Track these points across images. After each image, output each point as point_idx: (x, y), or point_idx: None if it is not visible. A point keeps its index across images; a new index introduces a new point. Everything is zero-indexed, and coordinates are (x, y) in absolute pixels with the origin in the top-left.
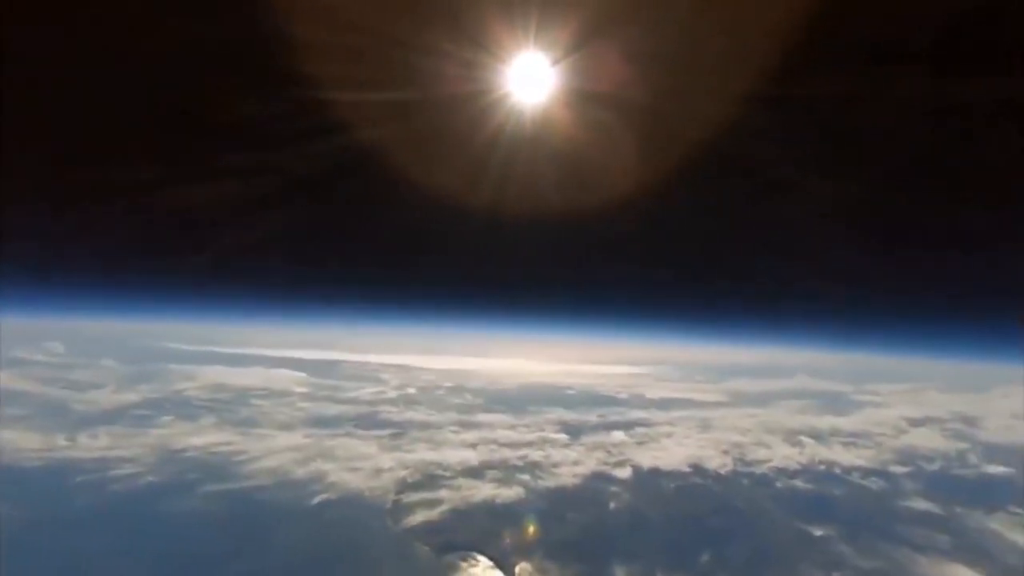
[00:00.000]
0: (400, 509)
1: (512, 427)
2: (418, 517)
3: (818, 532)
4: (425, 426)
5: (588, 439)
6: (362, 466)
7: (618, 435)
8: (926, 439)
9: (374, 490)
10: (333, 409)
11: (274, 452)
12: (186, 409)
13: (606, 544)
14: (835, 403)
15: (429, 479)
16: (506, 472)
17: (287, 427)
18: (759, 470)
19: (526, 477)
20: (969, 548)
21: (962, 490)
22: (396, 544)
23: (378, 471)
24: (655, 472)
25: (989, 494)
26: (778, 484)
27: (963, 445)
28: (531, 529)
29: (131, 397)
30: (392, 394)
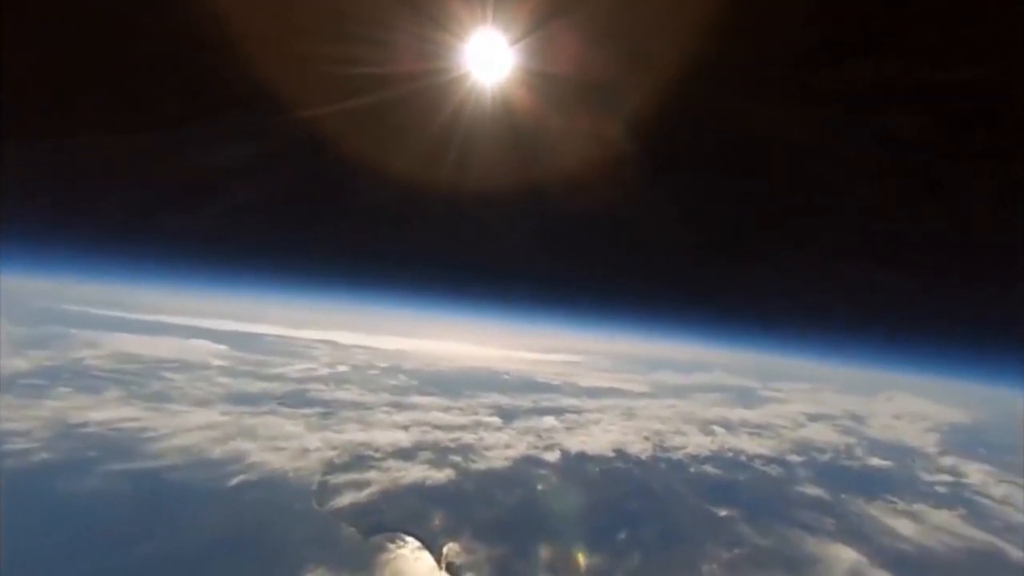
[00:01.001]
0: (326, 490)
1: (446, 410)
2: (345, 499)
3: (723, 513)
4: (356, 406)
5: (521, 423)
6: (286, 446)
7: (549, 420)
8: (820, 433)
9: (299, 471)
10: (256, 385)
11: (187, 430)
12: (86, 380)
13: (532, 524)
14: (745, 397)
15: (358, 460)
16: (438, 454)
17: (203, 403)
18: (675, 456)
19: (457, 459)
20: (851, 531)
21: (848, 479)
22: (321, 526)
23: (304, 451)
24: (582, 456)
25: (871, 484)
26: (691, 469)
27: (851, 440)
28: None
29: (22, 364)
30: (323, 372)
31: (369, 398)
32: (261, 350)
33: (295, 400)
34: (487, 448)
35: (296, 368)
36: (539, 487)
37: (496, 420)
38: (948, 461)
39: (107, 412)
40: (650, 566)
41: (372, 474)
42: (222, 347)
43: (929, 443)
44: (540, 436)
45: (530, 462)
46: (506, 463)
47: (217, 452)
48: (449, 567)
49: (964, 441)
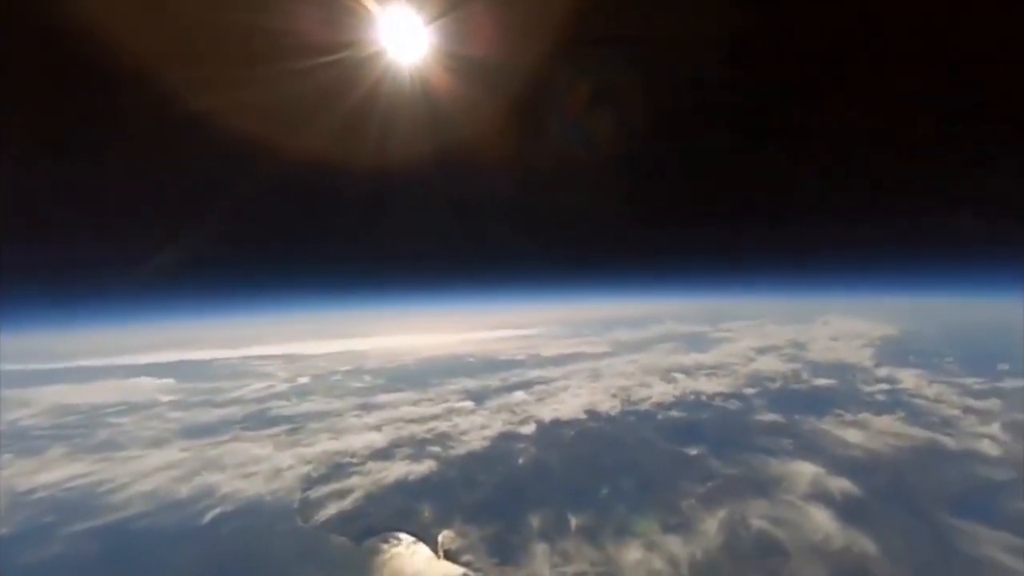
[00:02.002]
0: (309, 506)
1: (416, 403)
2: (330, 510)
3: (693, 452)
4: (324, 415)
5: (492, 403)
6: (257, 470)
7: (520, 395)
8: (768, 364)
9: (276, 492)
10: (212, 414)
11: (147, 474)
12: (26, 442)
13: (519, 498)
14: (698, 342)
15: (336, 469)
16: (416, 448)
17: (158, 443)
18: (642, 407)
19: (436, 449)
20: (807, 447)
21: (799, 402)
22: (310, 541)
23: (277, 471)
24: (556, 423)
25: (819, 402)
26: (658, 417)
27: (796, 365)
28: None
29: None
30: (282, 387)
31: (336, 405)
32: (210, 376)
33: (258, 421)
34: (463, 433)
35: (252, 388)
36: (520, 460)
37: (468, 404)
38: (884, 371)
39: (55, 472)
40: (635, 513)
41: (353, 480)
42: (167, 380)
43: (865, 358)
44: (513, 411)
45: (508, 438)
46: (484, 444)
47: (184, 491)
48: (447, 554)
49: (895, 352)
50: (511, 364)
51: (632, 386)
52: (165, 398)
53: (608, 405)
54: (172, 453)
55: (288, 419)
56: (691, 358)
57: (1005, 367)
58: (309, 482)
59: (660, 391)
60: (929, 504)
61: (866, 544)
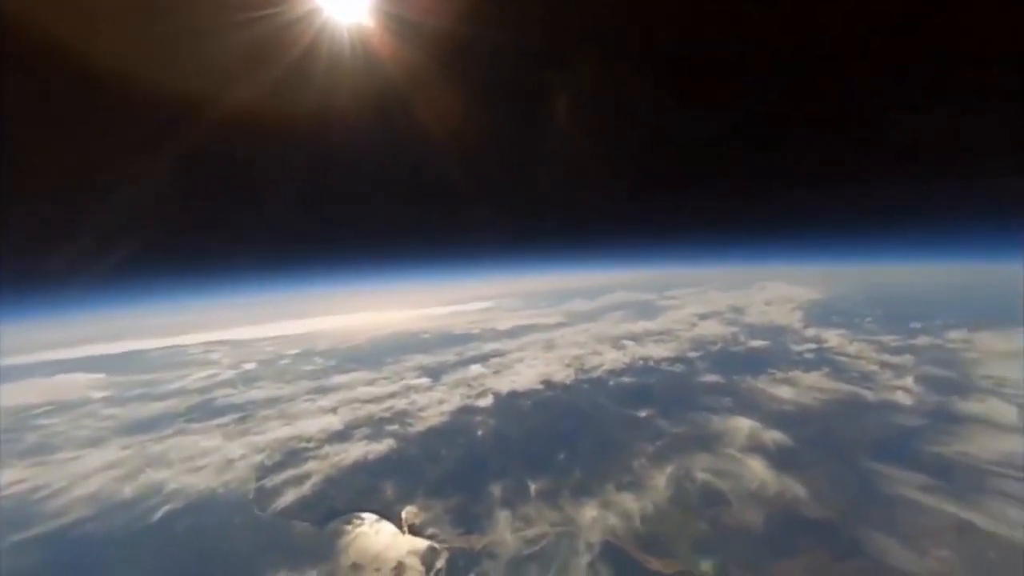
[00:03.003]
0: (265, 494)
1: (372, 382)
2: (288, 497)
3: (643, 414)
4: (274, 401)
5: (449, 378)
6: (207, 462)
7: (476, 368)
8: (710, 328)
9: (229, 484)
10: (152, 408)
11: (86, 476)
12: None
13: (480, 469)
14: (646, 310)
15: (291, 455)
16: (374, 428)
17: (95, 442)
18: (595, 374)
19: (395, 427)
20: (745, 404)
21: (737, 362)
22: (270, 530)
23: (228, 462)
24: (513, 395)
25: (755, 362)
26: (610, 383)
27: (734, 329)
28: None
29: None
30: (227, 375)
31: (287, 390)
32: (146, 368)
33: (203, 412)
34: (422, 409)
35: (195, 378)
36: (479, 433)
37: (425, 380)
38: (811, 332)
39: None
40: (590, 475)
41: (310, 465)
42: (98, 375)
43: (795, 320)
44: (470, 385)
45: (466, 412)
46: (443, 419)
47: (129, 490)
48: (411, 529)
49: (821, 314)
50: (466, 338)
51: (585, 355)
52: (98, 394)
53: (563, 374)
54: (111, 452)
55: (236, 408)
56: (640, 326)
57: (918, 326)
58: (263, 471)
59: (611, 358)
60: (852, 451)
61: (797, 489)
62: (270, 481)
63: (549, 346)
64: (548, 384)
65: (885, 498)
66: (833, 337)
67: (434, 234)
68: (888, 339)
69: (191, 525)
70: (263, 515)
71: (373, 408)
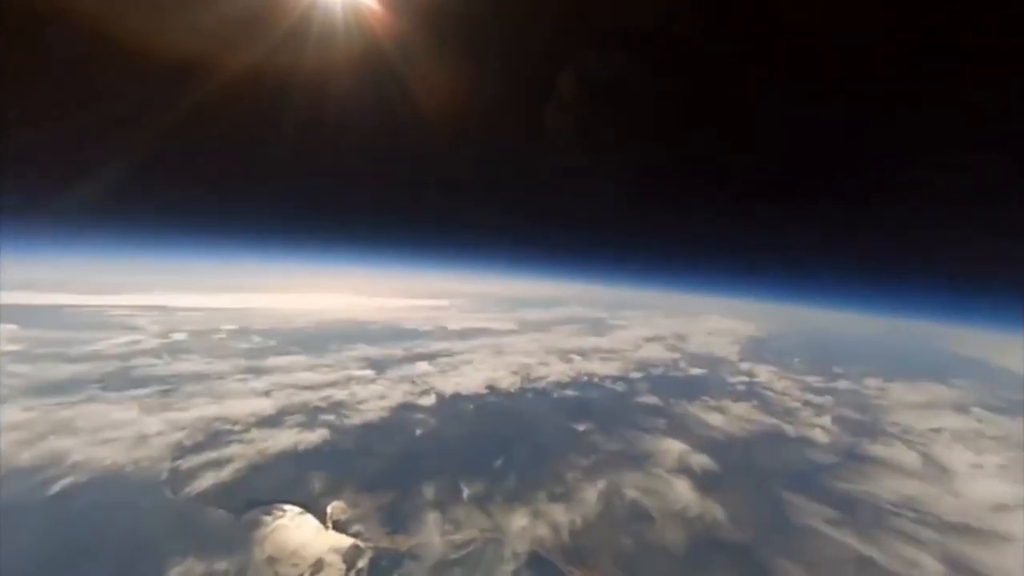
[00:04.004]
0: (180, 476)
1: (312, 368)
2: (205, 481)
3: (581, 428)
4: (202, 377)
5: (394, 372)
6: (118, 435)
7: (423, 366)
8: (654, 352)
9: (141, 462)
10: (65, 369)
11: None
12: None
13: (414, 468)
14: (597, 327)
15: (214, 437)
16: (308, 416)
17: None
18: (540, 385)
19: (330, 417)
20: (678, 427)
21: (675, 387)
22: (180, 515)
23: (143, 438)
24: (456, 397)
25: (692, 388)
26: (554, 395)
27: (676, 355)
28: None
29: None
30: (152, 343)
31: (217, 366)
32: (64, 325)
33: (120, 381)
34: (361, 402)
35: (116, 342)
36: (417, 432)
37: (368, 372)
38: (745, 366)
39: None
40: (524, 483)
41: (233, 449)
42: (10, 326)
43: (732, 353)
44: (414, 382)
45: (407, 409)
46: (382, 414)
47: (27, 457)
48: (336, 525)
49: (756, 349)
50: (416, 334)
51: (532, 364)
52: (6, 347)
53: (508, 381)
54: (13, 412)
55: (158, 379)
56: (589, 342)
57: (840, 370)
58: (181, 451)
59: (558, 370)
60: (770, 480)
61: (717, 512)
62: (187, 462)
63: (498, 351)
64: (493, 389)
65: (795, 527)
66: (764, 372)
67: (401, 221)
68: (812, 379)
69: (93, 502)
70: (175, 498)
71: (309, 395)
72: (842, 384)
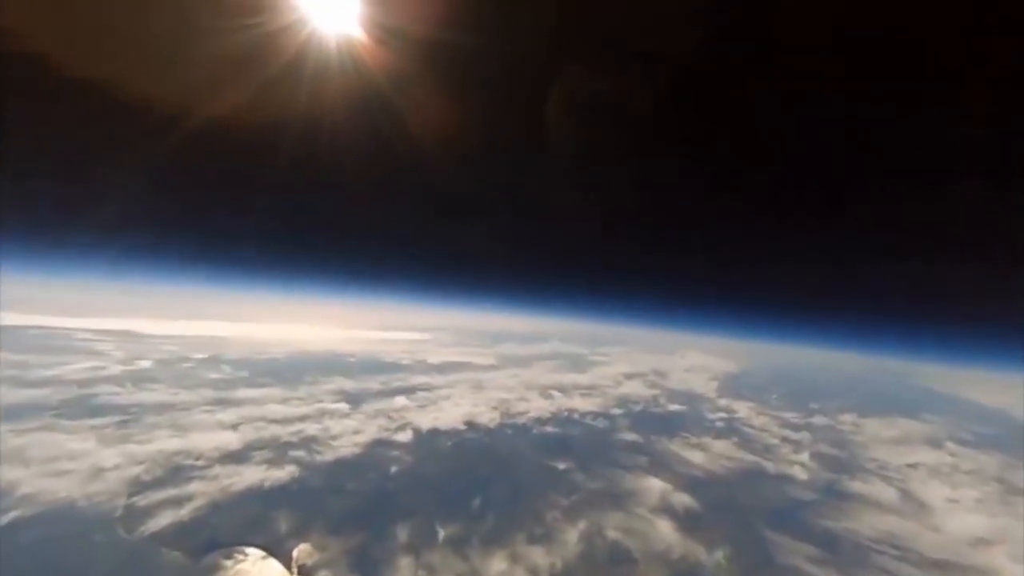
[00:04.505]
0: (135, 514)
1: (284, 401)
2: (162, 520)
3: (562, 466)
4: (166, 408)
5: (370, 407)
6: (72, 467)
7: (400, 400)
8: (634, 388)
9: (94, 496)
10: (19, 394)
11: None
12: None
13: (387, 508)
14: (577, 363)
15: (175, 472)
16: (277, 451)
17: None
18: (520, 421)
19: (300, 454)
20: (659, 465)
21: (655, 424)
22: (134, 556)
23: (98, 471)
24: (434, 432)
25: (671, 425)
26: (534, 431)
27: (656, 391)
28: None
29: None
30: (115, 370)
31: (183, 397)
32: (25, 347)
33: (79, 409)
34: (334, 437)
35: (77, 368)
36: (393, 469)
37: (343, 406)
38: (724, 402)
39: None
40: (503, 524)
41: (195, 486)
42: None
43: (711, 389)
44: (391, 418)
45: (382, 445)
46: (356, 450)
47: None
48: (301, 569)
49: (734, 386)
50: (395, 367)
51: (512, 400)
52: None
53: (488, 417)
54: None
55: (118, 409)
56: (569, 377)
57: (816, 406)
58: (138, 486)
59: (538, 406)
60: (752, 519)
61: (700, 552)
62: (144, 499)
63: (478, 387)
64: (472, 425)
65: (778, 567)
66: (743, 409)
67: (385, 254)
68: (790, 416)
69: (40, 538)
70: (128, 537)
71: (280, 430)
72: (818, 420)
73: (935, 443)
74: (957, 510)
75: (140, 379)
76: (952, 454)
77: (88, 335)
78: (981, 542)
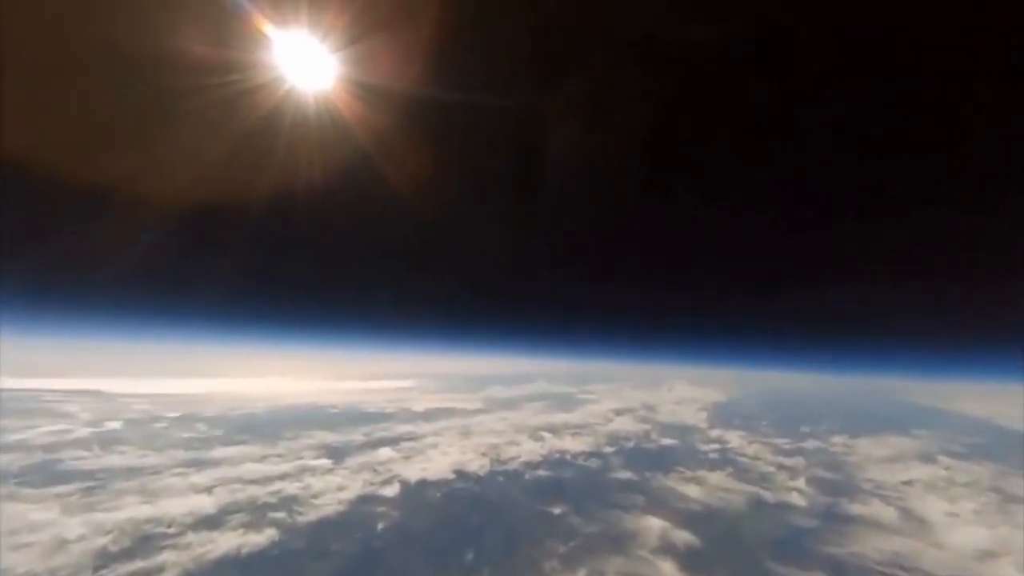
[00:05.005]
0: None
1: (262, 459)
2: None
3: (557, 511)
4: (135, 472)
5: (354, 460)
6: (34, 539)
7: (385, 452)
8: (625, 424)
9: (58, 571)
10: None
11: None
12: None
13: (374, 568)
14: (565, 402)
15: (144, 542)
16: (255, 514)
17: None
18: (511, 466)
19: (280, 515)
20: (656, 502)
21: (649, 459)
22: None
23: (62, 543)
24: (422, 484)
25: (665, 460)
26: (526, 476)
27: (647, 426)
28: None
29: None
30: (82, 432)
31: (154, 459)
32: None
33: (42, 476)
34: (316, 496)
35: (41, 431)
36: (380, 526)
37: (325, 462)
38: (715, 432)
39: None
40: None
41: (166, 555)
42: None
43: (701, 420)
44: (376, 471)
45: (368, 501)
46: (340, 508)
47: None
48: None
49: (724, 415)
50: (379, 417)
51: (502, 444)
52: None
53: (477, 464)
54: None
55: (85, 475)
56: (559, 417)
57: (806, 430)
58: (105, 558)
59: (528, 449)
60: (755, 552)
61: None
62: (111, 572)
63: (466, 433)
64: (461, 474)
65: None
66: (735, 438)
67: (363, 302)
68: (781, 442)
69: None
70: None
71: (257, 490)
72: (810, 444)
73: (928, 458)
74: (958, 524)
75: (109, 441)
76: (946, 468)
77: (56, 396)
78: (987, 555)
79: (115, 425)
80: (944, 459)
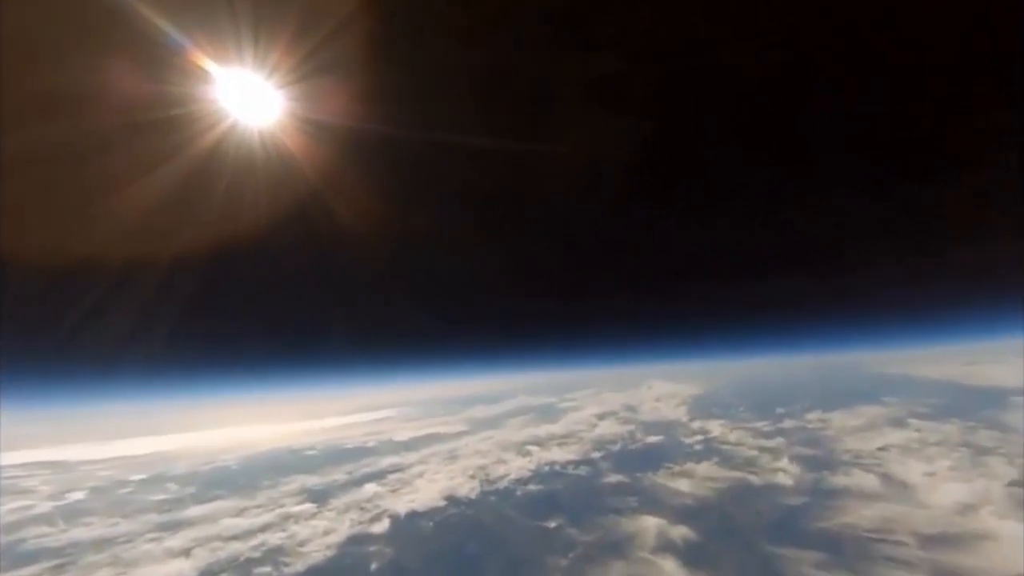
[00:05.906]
0: None
1: (240, 512)
2: None
3: (552, 525)
4: (105, 543)
5: (338, 501)
6: None
7: (371, 488)
8: (609, 428)
9: None
10: None
11: None
12: None
13: None
14: (548, 413)
15: None
16: (238, 572)
17: None
18: (501, 485)
19: (266, 569)
20: (649, 501)
21: (637, 459)
22: None
23: None
24: (413, 516)
25: (653, 458)
26: (518, 493)
27: (631, 427)
28: None
29: None
30: (44, 507)
31: (124, 527)
32: None
33: (6, 559)
34: (302, 543)
35: (2, 511)
36: (373, 566)
37: (308, 507)
38: (697, 424)
39: None
40: None
41: None
42: None
43: (682, 414)
44: (363, 509)
45: (357, 541)
46: (329, 552)
47: None
48: None
49: (703, 406)
50: (360, 453)
51: (490, 464)
52: None
53: (467, 487)
54: None
55: (51, 552)
56: (543, 429)
57: (782, 411)
58: None
59: (517, 466)
60: (751, 536)
61: None
62: None
63: (452, 457)
64: (452, 499)
65: None
66: (716, 428)
67: (330, 338)
68: (760, 425)
69: None
70: None
71: (239, 546)
72: (788, 423)
73: (899, 423)
74: (937, 482)
75: (73, 514)
76: (917, 430)
77: (12, 471)
78: (968, 508)
79: (79, 495)
80: (914, 422)
